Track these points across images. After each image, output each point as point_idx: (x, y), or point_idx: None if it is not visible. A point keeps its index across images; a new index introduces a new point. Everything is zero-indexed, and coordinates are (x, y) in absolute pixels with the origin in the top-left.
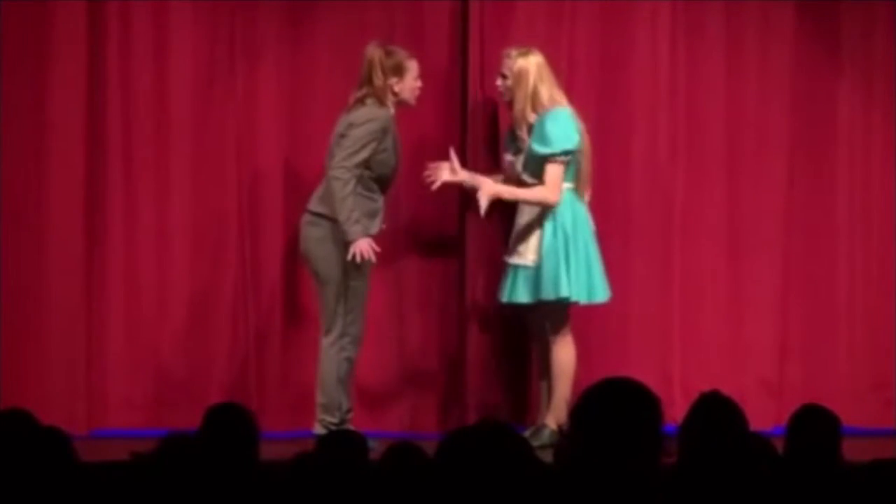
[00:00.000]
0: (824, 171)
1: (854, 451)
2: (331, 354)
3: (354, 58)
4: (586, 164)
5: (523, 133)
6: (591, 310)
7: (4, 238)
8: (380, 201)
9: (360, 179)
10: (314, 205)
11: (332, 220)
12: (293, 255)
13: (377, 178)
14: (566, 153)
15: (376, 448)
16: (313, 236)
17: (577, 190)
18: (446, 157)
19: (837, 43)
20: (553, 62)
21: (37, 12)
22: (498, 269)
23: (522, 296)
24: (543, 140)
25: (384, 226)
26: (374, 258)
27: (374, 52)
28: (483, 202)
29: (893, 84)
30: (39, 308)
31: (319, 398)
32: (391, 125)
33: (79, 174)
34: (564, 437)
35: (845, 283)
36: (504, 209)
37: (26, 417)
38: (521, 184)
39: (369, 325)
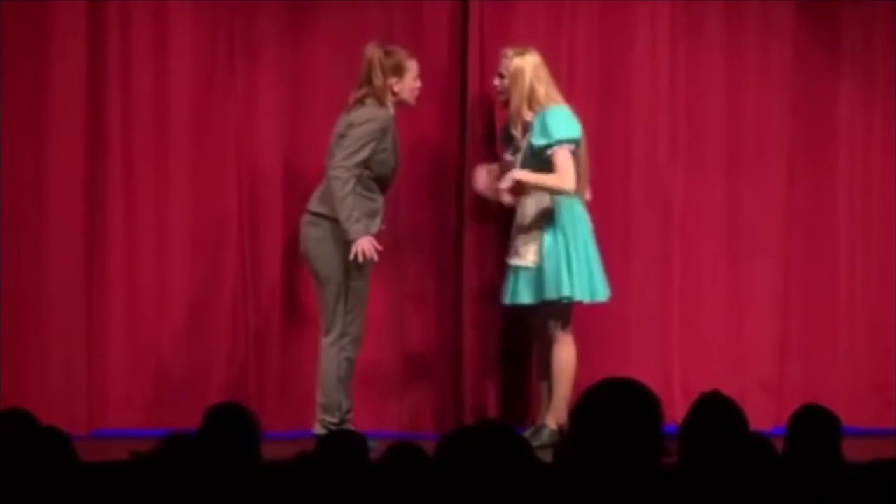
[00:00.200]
0: (824, 171)
1: (854, 451)
2: (331, 354)
3: (354, 58)
4: (584, 164)
5: (518, 132)
6: (591, 310)
7: (4, 238)
8: (379, 201)
9: (359, 179)
10: (314, 205)
11: (332, 220)
12: (293, 255)
13: (376, 178)
14: (570, 140)
15: (376, 448)
16: (313, 236)
17: (576, 190)
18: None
19: (837, 43)
20: (553, 62)
21: (37, 12)
22: (496, 270)
23: (525, 297)
24: (546, 132)
25: (383, 226)
26: (375, 257)
27: (373, 52)
28: (505, 184)
29: (893, 84)
30: (39, 308)
31: (319, 398)
32: (391, 125)
33: (79, 174)
34: (564, 437)
35: (845, 283)
36: (503, 210)
37: (26, 417)
38: (520, 184)
39: (369, 325)
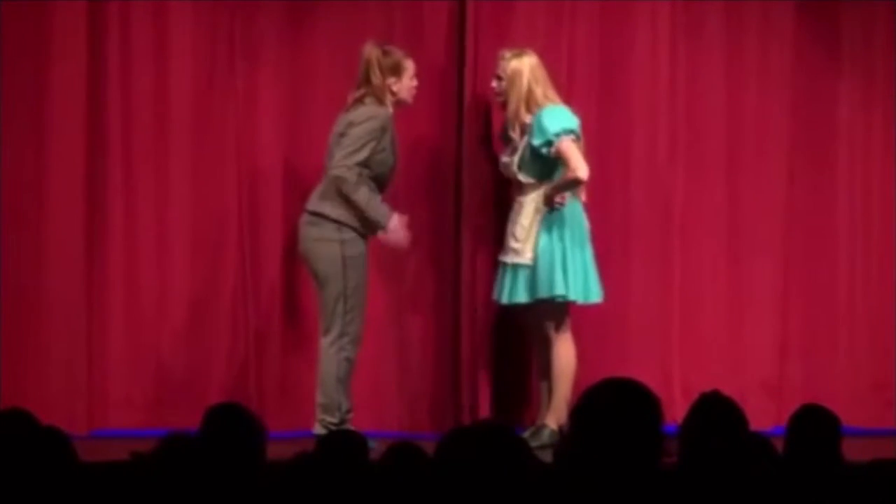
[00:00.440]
0: (824, 171)
1: (854, 451)
2: (330, 354)
3: (354, 58)
4: None
5: (516, 134)
6: (591, 310)
7: (4, 238)
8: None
9: (359, 178)
10: (313, 204)
11: (332, 220)
12: (293, 255)
13: (375, 178)
14: (569, 131)
15: (376, 448)
16: (312, 236)
17: (575, 190)
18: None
19: (837, 43)
20: (553, 62)
21: (37, 12)
22: (495, 269)
23: (521, 296)
24: (543, 131)
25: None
26: (407, 239)
27: (371, 51)
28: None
29: (893, 84)
30: (39, 308)
31: (319, 398)
32: (390, 124)
33: (79, 174)
34: (565, 437)
35: (845, 283)
36: (501, 208)
37: (26, 417)
38: (518, 184)
39: (368, 325)
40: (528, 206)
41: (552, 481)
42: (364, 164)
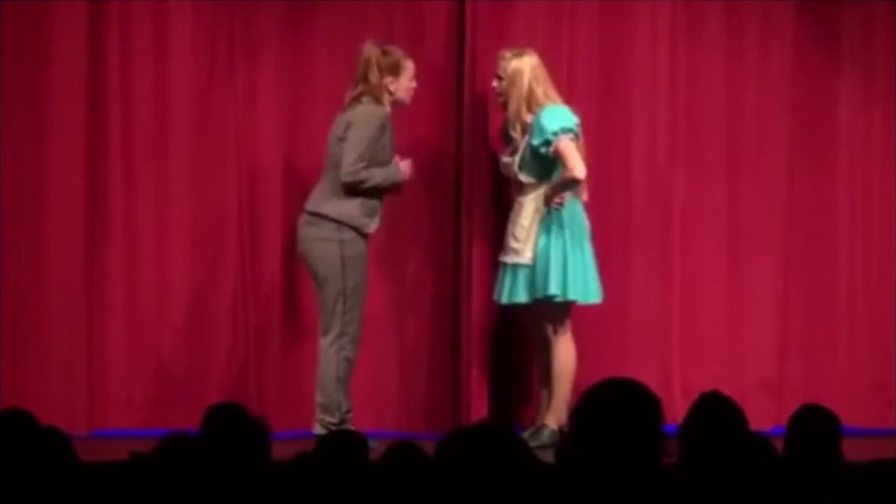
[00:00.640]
0: (824, 170)
1: (854, 451)
2: (330, 354)
3: (354, 58)
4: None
5: (517, 133)
6: (592, 310)
7: (4, 238)
8: (376, 201)
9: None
10: (312, 205)
11: (331, 221)
12: (293, 255)
13: None
14: (568, 130)
15: (376, 448)
16: (311, 236)
17: (575, 189)
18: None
19: (837, 43)
20: (552, 62)
21: (37, 12)
22: (495, 269)
23: (521, 296)
24: (542, 130)
25: (380, 225)
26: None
27: (370, 50)
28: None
29: (893, 84)
30: (39, 308)
31: (319, 398)
32: (388, 123)
33: (79, 174)
34: (565, 437)
35: (845, 283)
36: (501, 208)
37: (26, 417)
38: (518, 184)
39: (368, 325)
40: (528, 206)
41: (552, 481)
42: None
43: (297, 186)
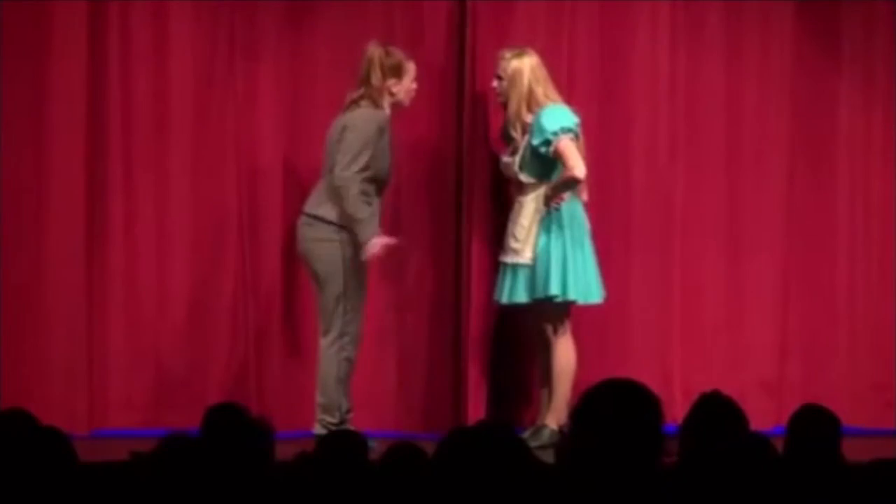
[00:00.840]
0: (824, 171)
1: (854, 451)
2: (330, 355)
3: (354, 58)
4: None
5: (517, 133)
6: (592, 310)
7: (4, 238)
8: (375, 203)
9: (359, 188)
10: (311, 207)
11: (329, 223)
12: (292, 255)
13: (374, 179)
14: (567, 129)
15: (376, 448)
16: (311, 237)
17: (575, 189)
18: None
19: (837, 43)
20: (552, 62)
21: (37, 12)
22: (496, 269)
23: (521, 296)
24: (542, 130)
25: (380, 228)
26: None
27: (374, 51)
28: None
29: (893, 84)
30: (39, 308)
31: (319, 398)
32: (387, 126)
33: (79, 174)
34: (565, 437)
35: (845, 283)
36: (502, 208)
37: (26, 417)
38: (518, 184)
39: (368, 324)
40: (529, 206)
41: (552, 481)
42: (363, 167)
43: (297, 186)
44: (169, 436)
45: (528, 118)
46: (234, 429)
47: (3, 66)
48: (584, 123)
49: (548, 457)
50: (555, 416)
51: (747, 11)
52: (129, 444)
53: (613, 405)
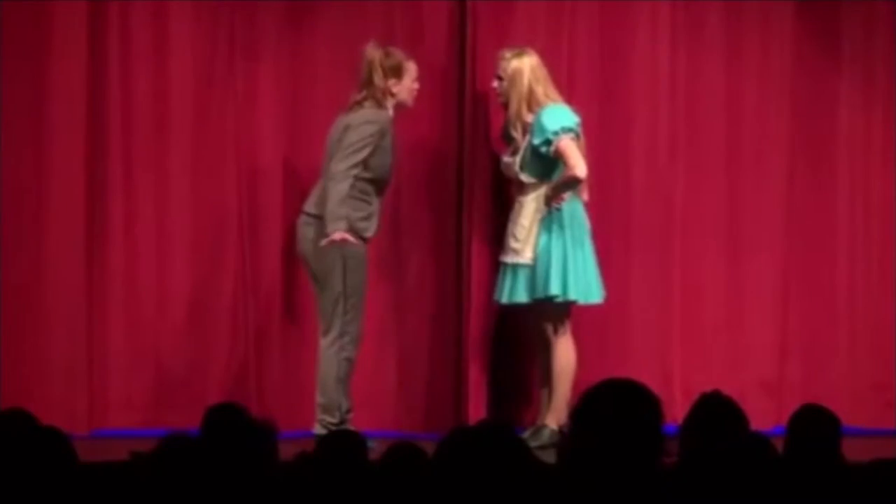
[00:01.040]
0: (824, 171)
1: (854, 451)
2: (329, 355)
3: (354, 58)
4: None
5: (518, 133)
6: (592, 310)
7: (4, 238)
8: (375, 204)
9: (355, 182)
10: (311, 206)
11: None
12: (292, 255)
13: (373, 181)
14: (568, 129)
15: (376, 448)
16: (311, 237)
17: (575, 189)
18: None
19: (837, 43)
20: (552, 62)
21: (37, 12)
22: (496, 269)
23: (522, 296)
24: (543, 130)
25: (380, 228)
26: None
27: (373, 52)
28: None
29: (893, 84)
30: (39, 308)
31: (319, 398)
32: (389, 128)
33: (79, 174)
34: (565, 437)
35: (845, 283)
36: (503, 208)
37: (26, 417)
38: (519, 184)
39: (369, 325)
40: (529, 206)
41: (551, 481)
42: (362, 166)
43: (297, 186)
44: (169, 436)
45: (529, 118)
46: (234, 429)
47: (3, 66)
48: (584, 123)
49: (548, 457)
50: (555, 416)
51: (747, 11)
52: (129, 444)
53: (613, 405)
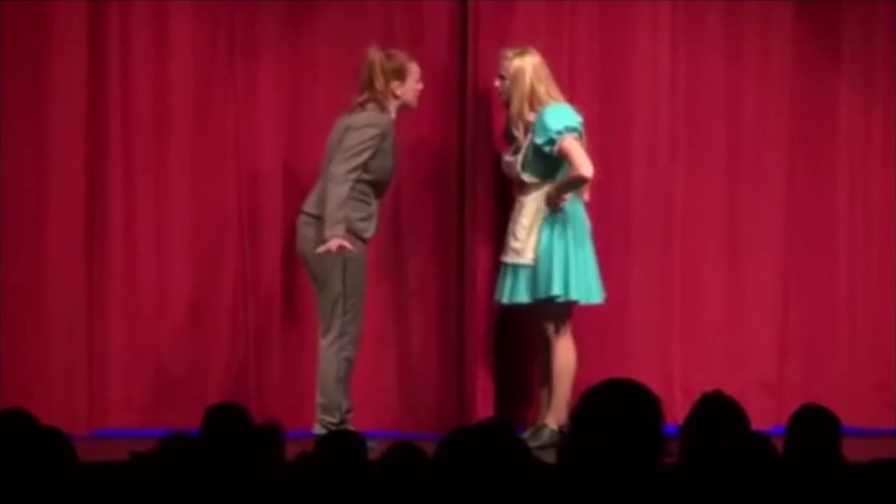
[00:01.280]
0: (824, 170)
1: (854, 451)
2: (329, 355)
3: (354, 58)
4: None
5: (520, 132)
6: (592, 310)
7: (4, 238)
8: (374, 205)
9: (355, 183)
10: (310, 206)
11: None
12: (293, 255)
13: (373, 183)
14: (572, 129)
15: (376, 448)
16: (310, 237)
17: (579, 189)
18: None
19: (837, 43)
20: (553, 62)
21: (37, 12)
22: (498, 269)
23: (522, 296)
24: (545, 129)
25: (379, 229)
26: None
27: (374, 55)
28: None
29: (893, 84)
30: (39, 308)
31: (319, 398)
32: (390, 130)
33: (79, 174)
34: (565, 437)
35: (845, 283)
36: (504, 208)
37: (26, 417)
38: (520, 183)
39: (369, 325)
40: (530, 206)
41: (551, 481)
42: (363, 169)
43: (297, 187)
44: (169, 436)
45: (531, 117)
46: (233, 429)
47: (3, 66)
48: (585, 123)
49: (548, 457)
50: (555, 416)
51: (747, 11)
52: (129, 444)
53: (613, 405)
